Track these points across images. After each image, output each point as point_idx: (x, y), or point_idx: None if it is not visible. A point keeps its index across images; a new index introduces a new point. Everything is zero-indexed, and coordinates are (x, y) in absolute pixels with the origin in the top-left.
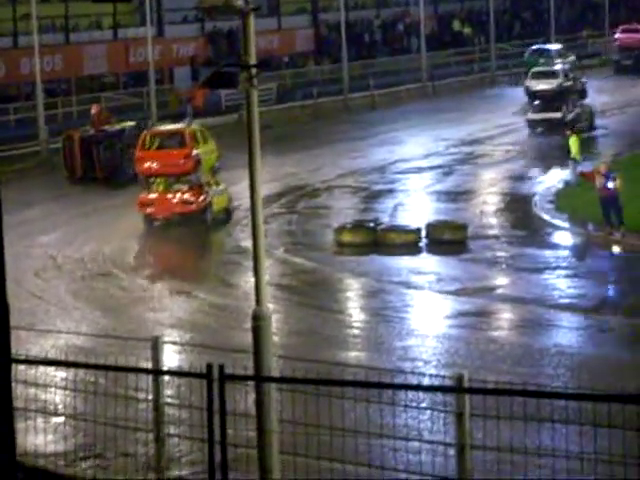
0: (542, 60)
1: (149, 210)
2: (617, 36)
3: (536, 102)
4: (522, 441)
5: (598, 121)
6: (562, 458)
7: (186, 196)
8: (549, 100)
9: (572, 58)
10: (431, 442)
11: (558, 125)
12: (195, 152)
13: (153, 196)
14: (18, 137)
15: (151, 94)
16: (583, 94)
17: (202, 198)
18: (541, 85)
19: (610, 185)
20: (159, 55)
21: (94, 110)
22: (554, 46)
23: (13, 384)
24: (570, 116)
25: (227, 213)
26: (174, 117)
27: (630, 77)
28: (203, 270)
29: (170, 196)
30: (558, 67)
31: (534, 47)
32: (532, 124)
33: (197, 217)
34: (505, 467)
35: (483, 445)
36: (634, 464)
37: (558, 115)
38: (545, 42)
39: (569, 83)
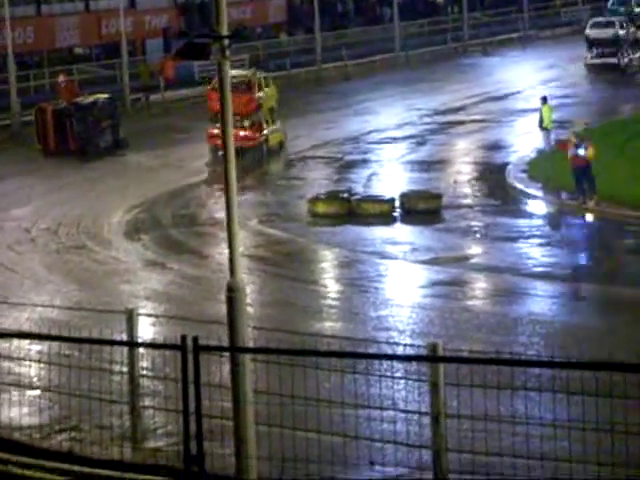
0: (622, 9)
1: (217, 142)
2: None
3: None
4: (496, 409)
5: (570, 90)
6: (536, 425)
7: (248, 133)
8: (605, 47)
9: None
10: (406, 411)
11: (613, 69)
12: (257, 96)
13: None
14: None
15: (123, 66)
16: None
17: (260, 134)
18: (599, 33)
19: (582, 154)
20: (131, 27)
21: (61, 79)
22: None
23: None
24: (624, 61)
25: (281, 146)
26: (146, 89)
27: None
28: (178, 243)
29: (234, 132)
30: (614, 18)
31: None
32: (590, 68)
33: (256, 149)
34: (479, 435)
35: (457, 414)
36: (606, 430)
37: (614, 60)
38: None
39: (624, 32)
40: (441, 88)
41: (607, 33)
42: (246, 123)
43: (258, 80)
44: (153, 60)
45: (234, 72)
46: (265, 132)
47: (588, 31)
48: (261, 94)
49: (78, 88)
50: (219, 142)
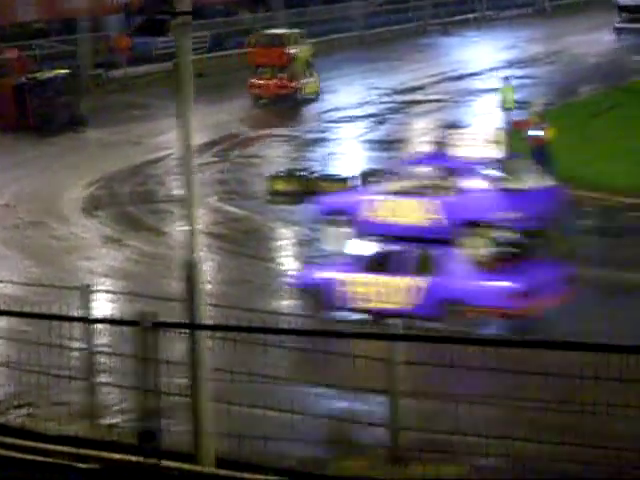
0: None
1: (257, 91)
2: None
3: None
4: (452, 388)
5: (529, 71)
6: (492, 405)
7: (283, 82)
8: (634, 12)
9: None
10: (363, 390)
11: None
12: (290, 50)
13: (260, 81)
14: None
15: (83, 42)
16: None
17: (294, 84)
18: (628, 0)
19: (539, 134)
20: (92, 2)
21: (12, 55)
22: None
23: None
24: None
25: (316, 95)
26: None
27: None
28: (136, 220)
29: (271, 81)
30: None
31: None
32: (619, 32)
33: (291, 97)
34: (436, 414)
35: (415, 392)
36: (557, 410)
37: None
38: None
39: None
40: (400, 67)
41: (636, 0)
42: (282, 74)
43: (292, 37)
44: (113, 36)
45: (268, 30)
46: (300, 82)
47: None
48: (294, 49)
49: (32, 63)
50: (258, 91)
